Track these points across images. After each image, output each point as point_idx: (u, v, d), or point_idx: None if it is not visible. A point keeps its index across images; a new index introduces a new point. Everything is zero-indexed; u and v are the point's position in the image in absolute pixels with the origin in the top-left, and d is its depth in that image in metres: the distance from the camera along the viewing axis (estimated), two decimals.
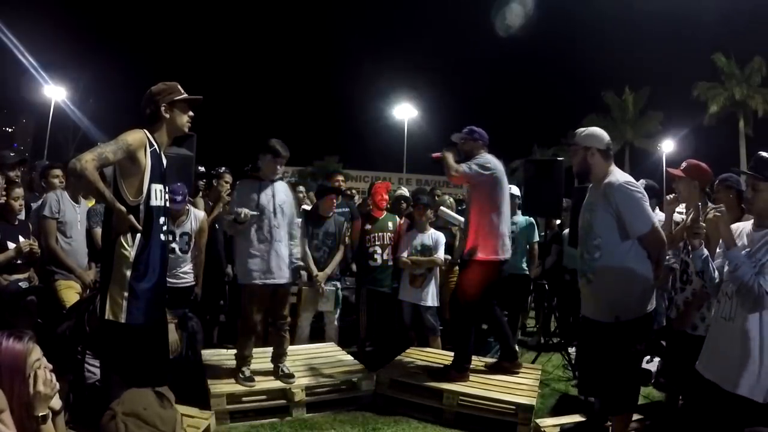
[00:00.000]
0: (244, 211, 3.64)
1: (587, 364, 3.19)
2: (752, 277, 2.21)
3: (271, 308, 3.89)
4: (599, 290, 2.98)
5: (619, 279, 2.88)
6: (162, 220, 2.74)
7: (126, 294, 2.55)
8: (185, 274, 4.35)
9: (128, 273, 2.56)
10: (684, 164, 3.44)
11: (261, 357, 4.10)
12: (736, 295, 2.30)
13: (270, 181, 3.84)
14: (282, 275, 3.80)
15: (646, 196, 2.95)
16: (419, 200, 5.08)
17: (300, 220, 4.50)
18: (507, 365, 4.12)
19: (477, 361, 4.13)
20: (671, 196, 3.58)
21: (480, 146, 4.03)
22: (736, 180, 3.26)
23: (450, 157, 3.94)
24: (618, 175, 2.98)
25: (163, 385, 2.82)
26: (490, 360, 4.35)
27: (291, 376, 3.75)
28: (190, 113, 2.82)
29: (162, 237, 2.75)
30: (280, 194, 3.85)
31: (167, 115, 2.71)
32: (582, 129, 3.17)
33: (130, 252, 2.57)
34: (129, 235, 2.57)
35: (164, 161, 2.78)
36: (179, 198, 4.14)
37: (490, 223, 3.87)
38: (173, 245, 4.19)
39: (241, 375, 3.70)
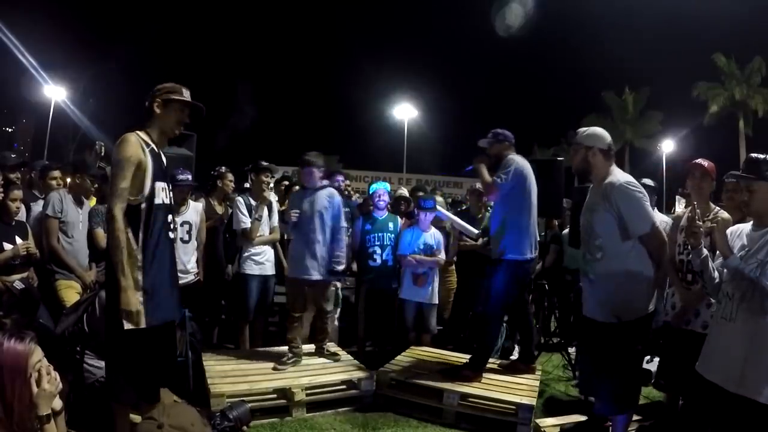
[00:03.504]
0: (294, 212, 4.20)
1: (588, 363, 3.20)
2: (753, 281, 2.21)
3: (308, 300, 4.37)
4: (601, 290, 2.99)
5: (621, 279, 2.89)
6: (169, 218, 2.72)
7: (141, 299, 2.52)
8: (184, 273, 4.36)
9: (140, 276, 2.53)
10: (705, 163, 3.43)
11: (262, 357, 4.12)
12: (740, 303, 2.30)
13: (312, 190, 4.27)
14: (313, 272, 4.18)
15: (647, 196, 2.95)
16: (421, 203, 5.10)
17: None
18: (523, 367, 4.15)
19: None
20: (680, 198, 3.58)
21: (507, 147, 4.10)
22: None
23: (484, 171, 4.02)
24: (618, 175, 2.99)
25: (166, 385, 2.81)
26: (492, 360, 4.36)
27: (336, 354, 4.34)
28: (185, 118, 2.76)
29: (171, 234, 2.73)
30: (322, 201, 4.23)
31: (158, 111, 2.67)
32: (584, 129, 3.18)
33: (138, 256, 2.54)
34: (132, 238, 2.55)
35: (164, 158, 2.75)
36: (181, 175, 4.38)
37: (516, 223, 3.91)
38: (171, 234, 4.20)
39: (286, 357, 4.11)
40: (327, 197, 4.27)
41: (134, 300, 2.49)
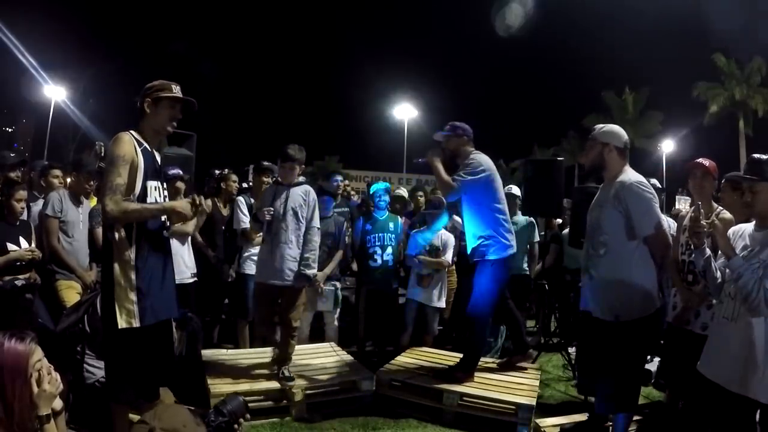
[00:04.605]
0: (261, 212, 3.87)
1: (587, 361, 3.20)
2: (755, 282, 2.21)
3: (278, 310, 3.95)
4: (601, 288, 2.99)
5: (622, 278, 2.88)
6: (163, 216, 2.71)
7: (134, 298, 2.52)
8: (179, 272, 4.33)
9: (133, 275, 2.53)
10: (706, 162, 3.41)
11: (262, 357, 4.11)
12: (743, 304, 2.29)
13: (287, 186, 3.92)
14: (283, 277, 3.82)
15: (657, 197, 2.95)
16: (430, 203, 5.11)
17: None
18: (519, 358, 4.16)
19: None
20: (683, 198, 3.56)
21: (465, 142, 3.95)
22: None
23: (439, 166, 3.82)
24: (630, 175, 2.98)
25: (166, 386, 2.81)
26: (491, 360, 4.36)
27: (291, 379, 3.73)
28: (177, 115, 2.73)
29: (165, 233, 2.72)
30: (296, 198, 3.89)
31: (149, 110, 2.66)
32: (601, 125, 3.18)
33: (130, 255, 2.54)
34: (126, 239, 2.54)
35: (158, 157, 2.74)
36: (171, 170, 4.33)
37: (493, 221, 3.85)
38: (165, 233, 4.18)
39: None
40: (302, 194, 3.93)
41: (171, 208, 2.64)
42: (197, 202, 2.66)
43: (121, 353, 2.57)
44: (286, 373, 3.77)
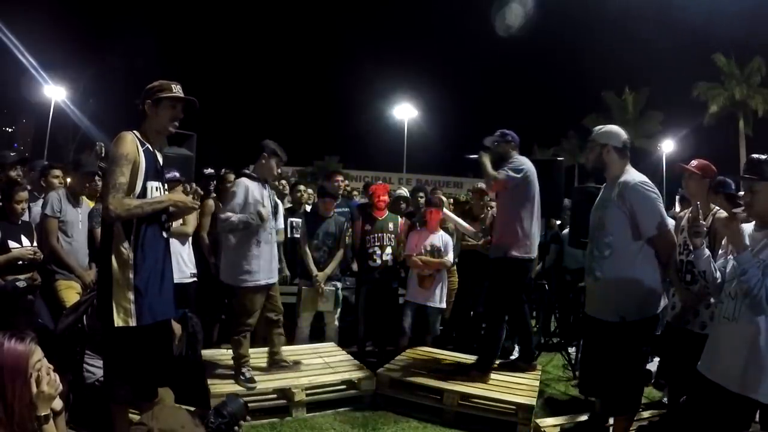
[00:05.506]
0: (264, 210, 3.75)
1: (591, 363, 3.19)
2: (758, 281, 2.21)
3: (265, 306, 3.97)
4: (606, 289, 2.98)
5: (627, 278, 2.88)
6: (163, 217, 2.71)
7: (132, 297, 2.51)
8: (179, 272, 4.32)
9: (131, 275, 2.52)
10: (695, 162, 3.40)
11: (262, 357, 4.11)
12: (743, 300, 2.29)
13: (265, 182, 3.95)
14: (276, 273, 4.00)
15: (660, 197, 2.95)
16: (430, 202, 5.11)
17: (300, 220, 4.49)
18: (523, 366, 4.17)
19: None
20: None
21: (513, 147, 4.14)
22: (727, 184, 3.32)
23: (488, 164, 4.02)
24: (633, 175, 2.98)
25: (166, 385, 2.81)
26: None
27: (295, 363, 3.96)
28: (178, 114, 2.72)
29: (164, 234, 2.71)
30: (273, 196, 4.02)
31: (150, 112, 2.65)
32: (599, 126, 3.20)
33: (129, 254, 2.53)
34: (124, 236, 2.53)
35: (159, 158, 2.74)
36: (168, 174, 4.22)
37: (522, 222, 3.94)
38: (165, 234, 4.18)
39: (242, 377, 3.71)
40: (273, 192, 4.07)
41: (171, 201, 2.68)
42: (190, 190, 2.70)
43: (118, 352, 2.57)
44: (288, 363, 4.00)
